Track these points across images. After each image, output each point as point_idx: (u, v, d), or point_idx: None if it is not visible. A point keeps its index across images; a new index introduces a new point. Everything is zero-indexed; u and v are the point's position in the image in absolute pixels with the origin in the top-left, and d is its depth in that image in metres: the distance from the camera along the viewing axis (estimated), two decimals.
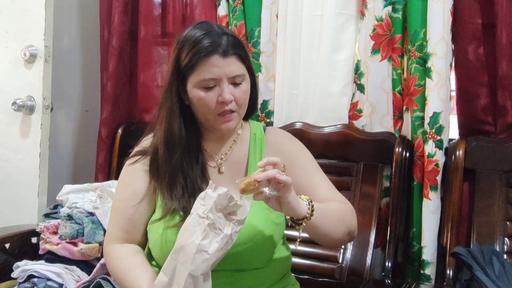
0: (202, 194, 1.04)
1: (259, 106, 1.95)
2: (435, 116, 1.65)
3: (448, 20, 1.63)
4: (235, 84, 1.17)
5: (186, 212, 1.16)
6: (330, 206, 1.19)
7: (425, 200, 1.66)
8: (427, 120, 1.66)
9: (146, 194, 1.24)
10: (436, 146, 1.66)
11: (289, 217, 1.10)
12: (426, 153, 1.66)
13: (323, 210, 1.14)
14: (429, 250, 1.66)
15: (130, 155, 1.29)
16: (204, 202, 1.02)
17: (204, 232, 0.99)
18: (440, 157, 1.66)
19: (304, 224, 1.08)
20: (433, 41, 1.64)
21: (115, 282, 1.46)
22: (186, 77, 1.17)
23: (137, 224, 1.24)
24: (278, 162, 1.04)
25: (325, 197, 1.23)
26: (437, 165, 1.65)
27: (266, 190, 1.03)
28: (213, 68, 1.13)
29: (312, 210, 1.08)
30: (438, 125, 1.65)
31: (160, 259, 1.20)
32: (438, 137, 1.66)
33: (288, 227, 1.31)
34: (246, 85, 1.19)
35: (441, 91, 1.65)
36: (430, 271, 1.66)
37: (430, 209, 1.65)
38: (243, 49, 1.19)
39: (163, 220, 1.19)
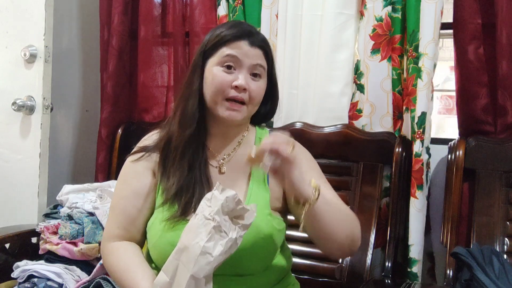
0: (208, 195, 1.03)
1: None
2: (423, 116, 1.66)
3: (438, 21, 1.65)
4: (254, 76, 1.19)
5: (182, 195, 1.16)
6: (339, 202, 1.18)
7: (412, 199, 1.67)
8: (415, 120, 1.67)
9: (147, 193, 1.23)
10: (422, 146, 1.67)
11: (293, 199, 1.09)
12: (414, 152, 1.67)
13: (330, 201, 1.12)
14: (415, 248, 1.66)
15: (133, 151, 1.28)
16: (210, 204, 1.01)
17: (209, 234, 0.98)
18: (425, 156, 1.68)
19: (307, 207, 1.05)
20: (424, 41, 1.65)
21: (115, 282, 1.47)
22: (209, 56, 1.20)
23: (137, 223, 1.23)
24: (284, 141, 1.02)
25: None
26: (423, 164, 1.66)
27: (268, 160, 1.00)
28: (238, 49, 1.17)
29: (318, 195, 1.06)
30: (424, 125, 1.67)
31: (159, 260, 1.19)
32: (424, 137, 1.67)
33: (290, 227, 1.31)
34: (263, 83, 1.21)
35: (428, 92, 1.66)
36: (416, 269, 1.67)
37: (417, 208, 1.66)
38: (269, 48, 1.23)
39: (162, 208, 1.18)
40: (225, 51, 1.17)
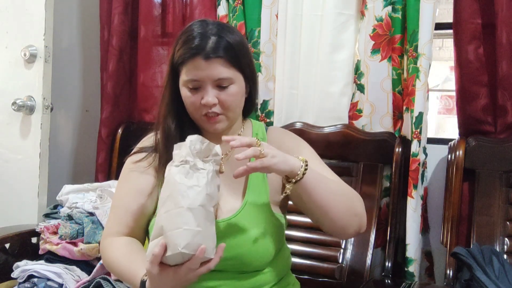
0: (176, 145, 1.05)
1: (258, 106, 1.95)
2: (420, 116, 1.67)
3: (434, 21, 1.66)
4: (221, 87, 1.16)
5: None
6: (332, 179, 1.17)
7: (408, 199, 1.67)
8: (412, 120, 1.67)
9: (151, 191, 1.22)
10: (419, 146, 1.67)
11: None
12: (411, 152, 1.67)
13: (320, 177, 1.11)
14: (412, 248, 1.67)
15: (132, 152, 1.28)
16: (179, 151, 1.02)
17: (188, 174, 0.98)
18: (422, 156, 1.68)
19: (294, 182, 1.05)
20: (422, 41, 1.66)
21: (115, 282, 1.47)
22: (179, 74, 1.19)
23: (140, 220, 1.22)
24: (250, 142, 1.03)
25: None
26: (419, 163, 1.67)
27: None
28: (195, 71, 1.14)
29: (305, 169, 1.05)
30: (421, 125, 1.67)
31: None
32: (421, 137, 1.67)
33: (290, 227, 1.31)
34: (234, 88, 1.17)
35: (425, 92, 1.67)
36: (413, 268, 1.67)
37: (413, 207, 1.66)
38: (232, 52, 1.15)
39: None
40: (184, 74, 1.16)
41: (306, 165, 1.06)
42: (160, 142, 1.22)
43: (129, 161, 1.27)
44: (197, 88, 1.15)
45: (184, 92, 1.17)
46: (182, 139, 1.19)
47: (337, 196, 1.13)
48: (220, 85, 1.15)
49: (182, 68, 1.16)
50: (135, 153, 1.27)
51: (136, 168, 1.25)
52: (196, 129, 1.24)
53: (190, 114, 1.20)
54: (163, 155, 1.20)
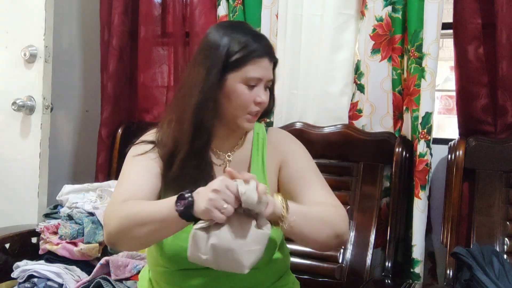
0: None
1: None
2: (427, 116, 1.66)
3: (440, 21, 1.65)
4: (266, 89, 1.22)
5: None
6: (312, 208, 1.16)
7: (415, 199, 1.67)
8: (419, 120, 1.67)
9: (157, 172, 1.19)
10: (427, 146, 1.67)
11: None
12: (418, 153, 1.67)
13: (301, 211, 1.11)
14: (418, 249, 1.67)
15: (136, 142, 1.24)
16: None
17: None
18: (429, 157, 1.68)
19: (280, 224, 1.06)
20: (428, 41, 1.66)
21: (115, 282, 1.47)
22: (232, 69, 1.17)
23: (149, 195, 1.15)
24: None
25: (314, 198, 1.20)
26: (427, 164, 1.66)
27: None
28: (261, 69, 1.18)
29: (287, 209, 1.05)
30: (429, 125, 1.67)
31: (168, 263, 1.18)
32: (429, 137, 1.67)
33: None
34: (269, 92, 1.25)
35: (433, 92, 1.66)
36: (419, 269, 1.67)
37: (420, 208, 1.66)
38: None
39: None
40: (250, 71, 1.16)
41: (287, 209, 1.06)
42: (186, 133, 1.17)
43: (135, 152, 1.23)
44: (253, 86, 1.18)
45: (240, 89, 1.17)
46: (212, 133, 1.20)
47: (319, 227, 1.14)
48: (267, 86, 1.22)
49: (245, 66, 1.16)
50: (137, 143, 1.24)
51: (143, 155, 1.21)
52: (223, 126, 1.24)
53: (235, 110, 1.18)
54: (186, 148, 1.17)
